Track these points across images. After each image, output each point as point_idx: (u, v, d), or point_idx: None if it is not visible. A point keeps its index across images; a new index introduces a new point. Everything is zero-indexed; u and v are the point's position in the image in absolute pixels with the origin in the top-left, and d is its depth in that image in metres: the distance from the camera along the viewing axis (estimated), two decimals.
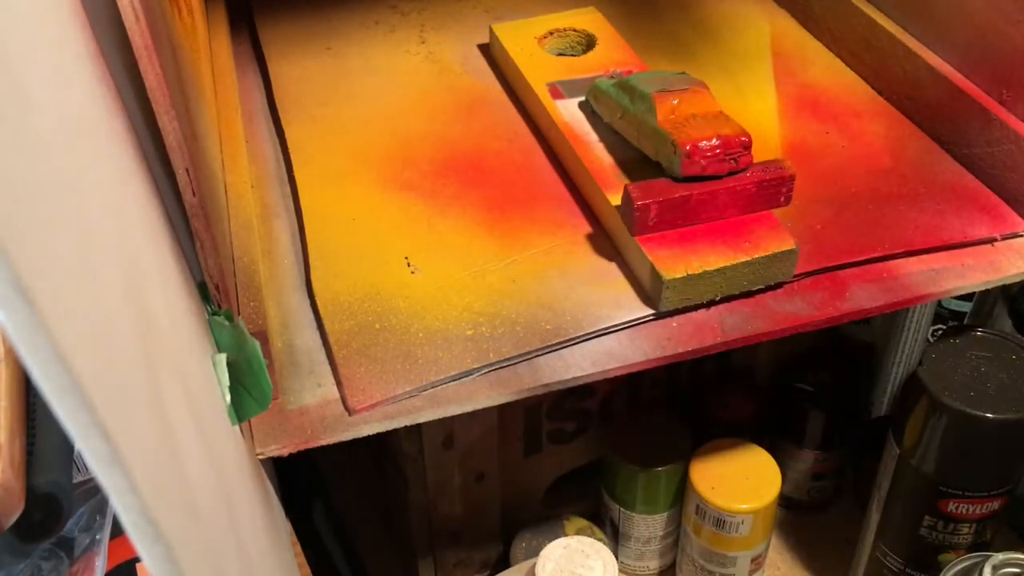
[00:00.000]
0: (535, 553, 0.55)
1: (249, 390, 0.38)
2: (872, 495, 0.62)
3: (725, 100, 0.55)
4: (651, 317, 0.44)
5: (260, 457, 0.40)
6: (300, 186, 0.52)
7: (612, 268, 0.47)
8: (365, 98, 0.58)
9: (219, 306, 0.37)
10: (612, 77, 0.53)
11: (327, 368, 0.43)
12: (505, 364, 0.42)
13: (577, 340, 0.43)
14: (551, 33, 0.59)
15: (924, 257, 0.48)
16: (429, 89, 0.59)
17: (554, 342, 0.43)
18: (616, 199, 0.46)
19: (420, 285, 0.46)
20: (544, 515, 0.67)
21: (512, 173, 0.53)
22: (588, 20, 0.60)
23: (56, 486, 0.42)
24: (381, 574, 0.71)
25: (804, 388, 0.69)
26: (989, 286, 0.48)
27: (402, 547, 0.69)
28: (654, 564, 0.70)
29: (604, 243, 0.48)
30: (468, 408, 0.42)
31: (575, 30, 0.59)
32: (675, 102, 0.47)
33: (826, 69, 0.61)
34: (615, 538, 0.69)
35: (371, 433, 0.41)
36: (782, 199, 0.46)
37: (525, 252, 0.48)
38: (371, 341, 0.43)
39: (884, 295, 0.46)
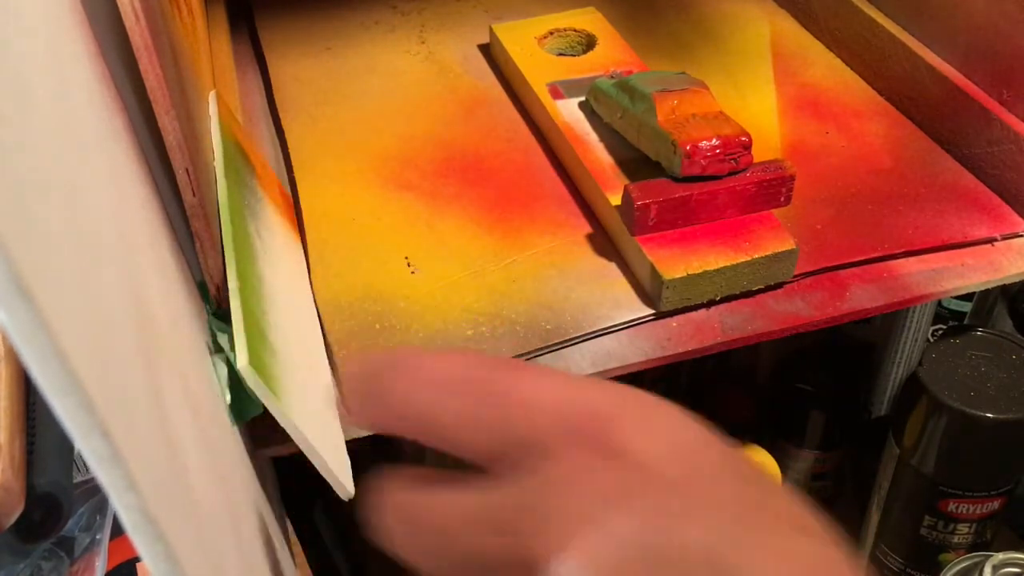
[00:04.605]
0: None
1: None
2: (872, 495, 0.62)
3: (725, 100, 0.55)
4: (651, 317, 0.44)
5: (260, 457, 0.40)
6: (300, 186, 0.52)
7: (612, 268, 0.47)
8: (365, 98, 0.58)
9: (219, 306, 0.37)
10: (612, 77, 0.53)
11: None
12: None
13: (577, 340, 0.43)
14: (551, 33, 0.59)
15: (924, 257, 0.48)
16: (429, 89, 0.59)
17: (554, 342, 0.43)
18: (616, 199, 0.46)
19: (420, 285, 0.46)
20: None
21: (512, 173, 0.53)
22: (588, 20, 0.60)
23: (56, 486, 0.42)
24: (381, 574, 0.71)
25: (804, 388, 0.69)
26: (989, 286, 0.48)
27: None
28: None
29: (604, 243, 0.48)
30: None
31: (575, 30, 0.59)
32: (675, 102, 0.47)
33: (826, 69, 0.61)
34: None
35: (371, 433, 0.41)
36: (782, 199, 0.46)
37: (525, 252, 0.48)
38: (371, 341, 0.43)
39: (884, 295, 0.46)
